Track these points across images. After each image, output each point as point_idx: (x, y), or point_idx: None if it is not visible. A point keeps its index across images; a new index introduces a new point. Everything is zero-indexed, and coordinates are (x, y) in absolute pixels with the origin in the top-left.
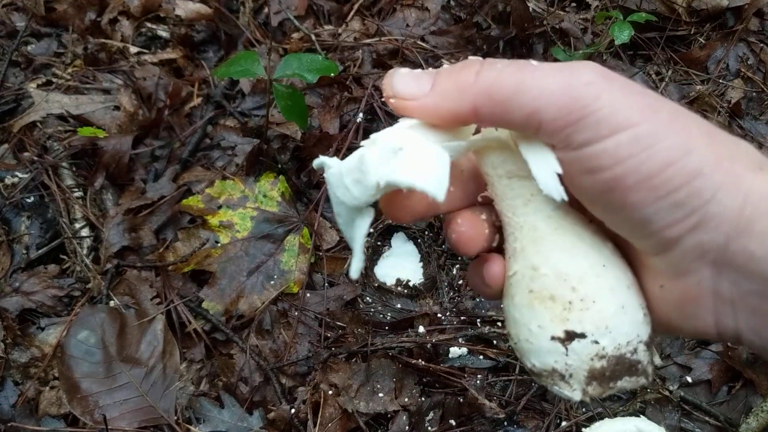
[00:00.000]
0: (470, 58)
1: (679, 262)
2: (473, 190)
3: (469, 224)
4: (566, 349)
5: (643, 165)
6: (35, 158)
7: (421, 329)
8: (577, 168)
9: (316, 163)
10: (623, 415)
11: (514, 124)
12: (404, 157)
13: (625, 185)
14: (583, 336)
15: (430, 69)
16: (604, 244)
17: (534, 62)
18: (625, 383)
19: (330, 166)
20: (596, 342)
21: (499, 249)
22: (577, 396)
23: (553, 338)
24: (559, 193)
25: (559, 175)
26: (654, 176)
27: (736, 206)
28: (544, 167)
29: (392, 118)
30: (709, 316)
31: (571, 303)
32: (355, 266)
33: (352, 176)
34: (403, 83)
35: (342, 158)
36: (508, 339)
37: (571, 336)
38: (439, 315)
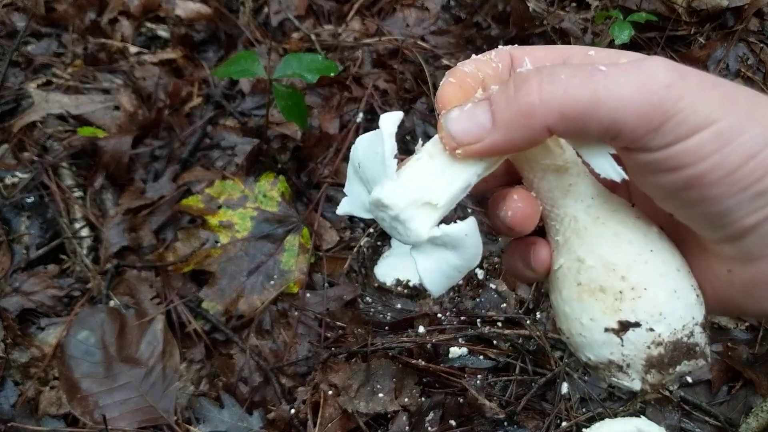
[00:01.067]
0: (520, 71)
1: (752, 249)
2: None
3: (525, 200)
4: (621, 339)
5: (725, 160)
6: (35, 158)
7: (421, 329)
8: (654, 168)
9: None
10: (623, 416)
11: (592, 137)
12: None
13: (707, 181)
14: (637, 325)
15: (479, 94)
16: (648, 227)
17: (602, 66)
18: (685, 367)
19: (377, 205)
20: (651, 329)
21: (541, 232)
22: (636, 386)
23: (606, 330)
24: (618, 173)
25: (613, 155)
26: (736, 170)
27: None
28: (597, 149)
29: None
30: None
31: (621, 293)
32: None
33: (400, 230)
34: (459, 127)
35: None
36: (560, 335)
37: (625, 326)
38: (439, 315)
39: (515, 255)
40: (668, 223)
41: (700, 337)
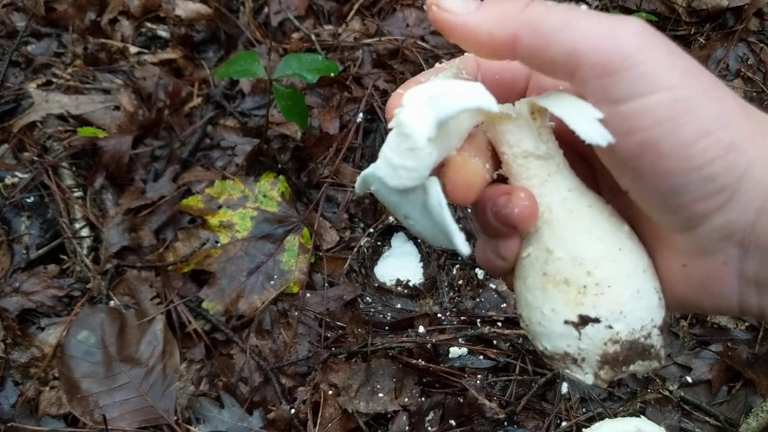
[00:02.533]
0: None
1: (705, 241)
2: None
3: (531, 198)
4: (579, 333)
5: (679, 130)
6: (35, 158)
7: (421, 329)
8: (610, 128)
9: (359, 185)
10: (623, 416)
11: (550, 60)
12: (441, 95)
13: (660, 150)
14: (597, 321)
15: None
16: (620, 226)
17: (584, 6)
18: (638, 367)
19: (375, 170)
20: (610, 327)
21: None
22: (589, 380)
23: (566, 322)
24: (605, 137)
25: (601, 120)
26: (690, 145)
27: (766, 183)
28: (582, 115)
29: None
30: (734, 296)
31: (585, 287)
32: (460, 242)
33: (398, 151)
34: None
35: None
36: (519, 321)
37: (585, 320)
38: (439, 315)
39: (487, 246)
40: (629, 217)
41: (657, 340)
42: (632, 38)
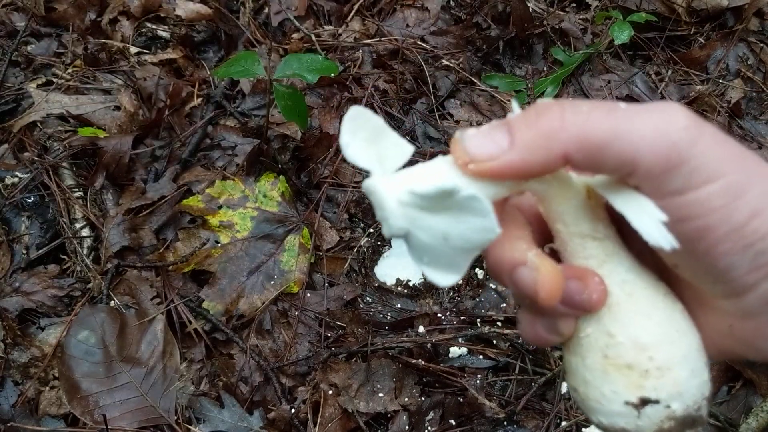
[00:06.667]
0: (542, 101)
1: (753, 306)
2: (538, 229)
3: (602, 281)
4: (639, 413)
5: (732, 215)
6: (35, 158)
7: (421, 329)
8: (665, 214)
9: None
10: None
11: (606, 169)
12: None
13: (715, 235)
14: (657, 402)
15: (496, 121)
16: (674, 306)
17: (622, 104)
18: None
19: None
20: (668, 407)
21: None
22: None
23: (626, 403)
24: (669, 242)
25: (666, 224)
26: (743, 226)
27: None
28: (646, 216)
29: (392, 118)
30: None
31: (647, 371)
32: (455, 279)
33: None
34: (476, 144)
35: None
36: (570, 391)
37: (645, 402)
38: (439, 315)
39: (537, 323)
40: (670, 280)
41: (705, 409)
42: (684, 133)
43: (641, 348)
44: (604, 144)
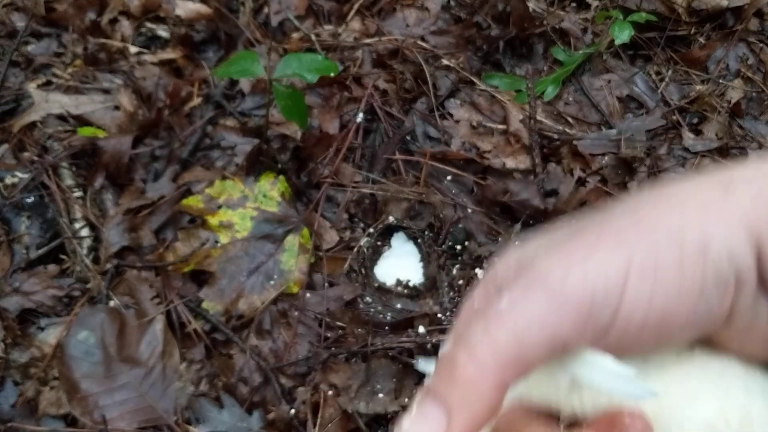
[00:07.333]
0: (441, 351)
1: (747, 316)
2: None
3: None
4: None
5: (652, 295)
6: (35, 158)
7: (422, 329)
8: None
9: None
10: None
11: (542, 361)
12: None
13: (667, 312)
14: None
15: (419, 393)
16: None
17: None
18: None
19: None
20: None
21: None
22: None
23: None
24: (646, 392)
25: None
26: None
27: None
28: (610, 380)
29: (392, 118)
30: None
31: None
32: None
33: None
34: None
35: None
36: None
37: None
38: (439, 315)
39: None
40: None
41: None
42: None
43: None
44: (539, 345)
